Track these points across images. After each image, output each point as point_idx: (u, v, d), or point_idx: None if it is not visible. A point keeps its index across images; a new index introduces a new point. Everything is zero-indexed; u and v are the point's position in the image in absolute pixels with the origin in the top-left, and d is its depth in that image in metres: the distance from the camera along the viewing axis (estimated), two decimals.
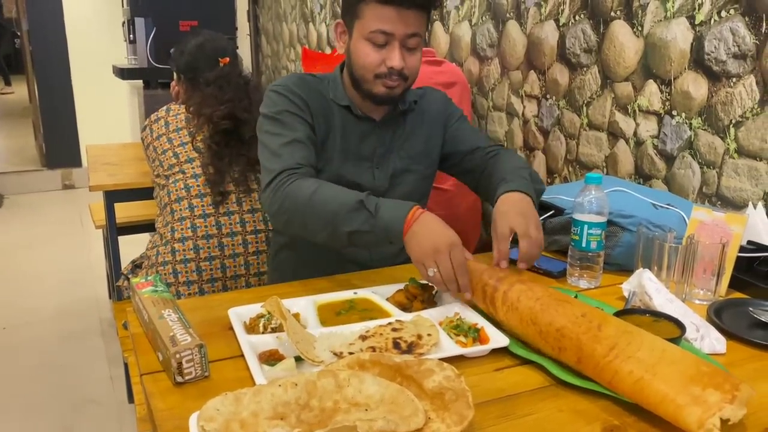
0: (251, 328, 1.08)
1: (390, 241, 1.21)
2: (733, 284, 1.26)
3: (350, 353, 0.95)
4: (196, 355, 0.94)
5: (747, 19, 1.43)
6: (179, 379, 0.93)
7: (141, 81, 4.25)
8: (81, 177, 5.62)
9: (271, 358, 0.98)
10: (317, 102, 1.46)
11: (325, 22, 4.00)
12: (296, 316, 1.11)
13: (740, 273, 1.26)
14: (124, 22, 4.33)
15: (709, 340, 1.04)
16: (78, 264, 3.94)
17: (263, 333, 1.05)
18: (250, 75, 2.11)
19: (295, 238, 1.53)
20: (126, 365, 2.27)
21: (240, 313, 1.11)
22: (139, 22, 4.10)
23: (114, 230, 2.40)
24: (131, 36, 4.16)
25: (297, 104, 1.42)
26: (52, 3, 5.50)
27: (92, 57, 5.54)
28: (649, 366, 0.83)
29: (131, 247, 2.73)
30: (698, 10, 1.54)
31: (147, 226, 2.87)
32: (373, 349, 0.97)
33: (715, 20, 1.50)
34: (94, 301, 3.43)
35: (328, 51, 3.98)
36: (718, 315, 1.14)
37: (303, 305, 1.14)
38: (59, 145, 5.78)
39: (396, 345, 0.98)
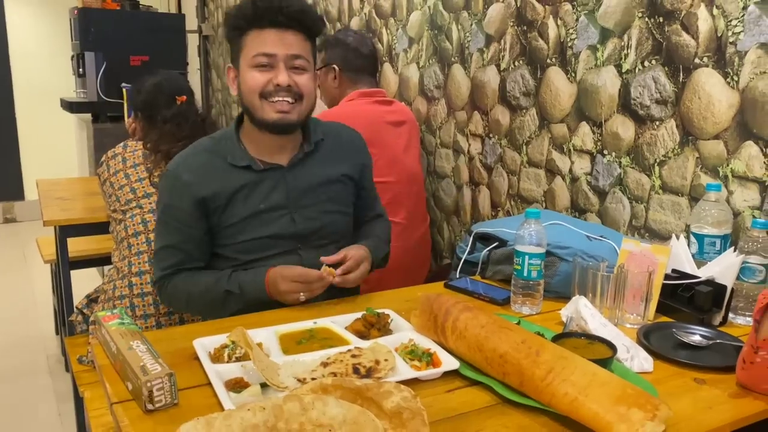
0: (216, 357, 1.13)
1: (261, 300, 1.45)
2: (660, 309, 1.38)
3: (313, 379, 1.02)
4: (166, 383, 0.99)
5: (666, 69, 1.59)
6: (150, 406, 0.98)
7: (89, 114, 4.23)
8: (24, 211, 5.51)
9: (237, 385, 1.04)
10: (211, 173, 1.49)
11: None
12: (259, 345, 1.17)
13: (666, 299, 1.38)
14: (73, 56, 4.32)
15: (638, 359, 1.15)
16: (22, 300, 3.85)
17: (228, 362, 1.11)
18: (203, 112, 2.18)
19: None
20: (78, 400, 2.25)
21: (204, 344, 1.16)
22: (89, 56, 4.10)
23: (66, 265, 2.39)
24: (80, 70, 4.16)
25: (178, 194, 1.49)
26: None
27: (38, 89, 5.48)
28: (582, 388, 0.93)
29: (79, 281, 2.72)
30: (624, 59, 1.69)
31: (95, 261, 2.86)
32: (335, 374, 1.04)
33: (639, 69, 1.66)
34: (40, 338, 3.36)
35: None
36: (647, 337, 1.25)
37: (265, 335, 1.20)
38: (1, 177, 5.65)
39: (356, 370, 1.06)
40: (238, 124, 1.56)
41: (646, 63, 1.64)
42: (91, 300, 2.08)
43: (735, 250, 1.36)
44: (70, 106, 4.22)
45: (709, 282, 1.35)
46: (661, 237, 1.64)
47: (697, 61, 1.51)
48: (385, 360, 1.09)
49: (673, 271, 1.42)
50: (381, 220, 1.78)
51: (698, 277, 1.37)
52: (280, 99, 1.44)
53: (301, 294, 1.41)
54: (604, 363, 1.06)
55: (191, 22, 5.30)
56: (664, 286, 1.37)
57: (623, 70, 1.70)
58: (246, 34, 1.45)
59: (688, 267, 1.41)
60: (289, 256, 1.53)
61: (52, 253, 2.69)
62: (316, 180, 1.56)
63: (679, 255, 1.43)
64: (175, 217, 1.51)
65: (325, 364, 1.07)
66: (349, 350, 1.12)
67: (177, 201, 1.50)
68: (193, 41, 5.31)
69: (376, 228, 1.74)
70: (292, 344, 1.20)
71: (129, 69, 4.13)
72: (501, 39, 2.11)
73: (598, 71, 1.77)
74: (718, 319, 1.34)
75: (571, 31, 1.84)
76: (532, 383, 1.00)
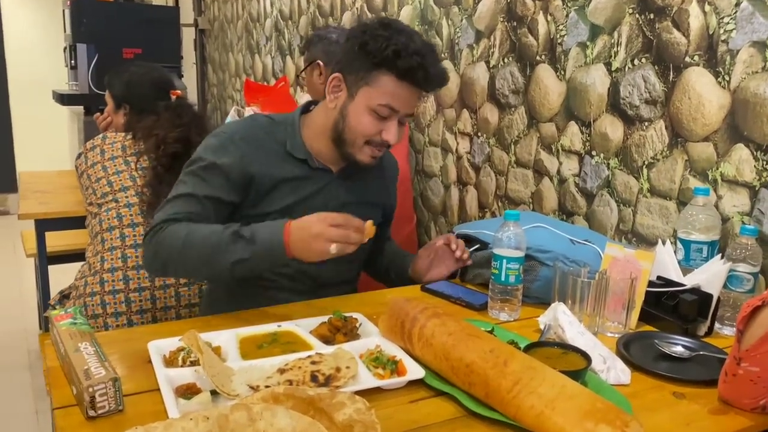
0: (170, 361, 1.08)
1: (273, 261, 1.27)
2: (643, 318, 1.33)
3: (267, 386, 0.96)
4: (110, 389, 0.94)
5: (656, 67, 1.53)
6: (92, 413, 0.93)
7: (81, 107, 4.19)
8: (16, 203, 5.46)
9: (188, 391, 0.99)
10: (265, 151, 1.41)
11: (270, 54, 4.04)
12: (217, 349, 1.11)
13: (649, 307, 1.33)
14: (65, 48, 4.28)
15: (615, 371, 1.10)
16: (9, 294, 3.81)
17: (182, 366, 1.06)
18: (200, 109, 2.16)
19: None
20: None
21: (160, 346, 1.10)
22: (81, 48, 4.06)
23: (44, 259, 2.35)
24: (72, 62, 4.11)
25: (228, 159, 1.37)
26: None
27: (32, 82, 5.45)
28: (549, 401, 0.88)
29: (65, 276, 2.66)
30: (614, 57, 1.63)
31: (82, 255, 2.81)
32: (290, 382, 0.98)
33: (629, 67, 1.60)
34: (24, 333, 3.32)
35: (272, 83, 4.02)
36: (627, 347, 1.20)
37: (225, 338, 1.15)
38: None
39: (314, 378, 1.00)
40: (302, 112, 1.50)
41: (636, 61, 1.58)
42: (64, 296, 2.03)
43: (723, 258, 1.30)
44: (62, 99, 4.18)
45: (695, 290, 1.29)
46: (648, 242, 1.58)
47: (687, 59, 1.45)
48: (347, 367, 1.03)
49: (658, 278, 1.36)
50: (393, 243, 1.77)
51: (683, 285, 1.31)
52: (378, 148, 1.42)
53: (334, 245, 1.21)
54: (577, 375, 1.00)
55: (187, 16, 5.25)
56: (647, 293, 1.32)
57: (613, 68, 1.64)
58: (382, 72, 1.35)
59: (674, 274, 1.35)
60: (305, 265, 1.41)
61: (34, 247, 2.63)
62: (354, 198, 1.52)
63: (665, 261, 1.38)
64: (212, 174, 1.37)
65: (282, 371, 1.01)
66: (310, 356, 1.06)
67: (222, 161, 1.37)
68: (189, 35, 5.26)
69: (393, 246, 1.75)
70: (253, 348, 1.14)
71: (121, 62, 4.06)
72: (491, 35, 2.05)
73: (587, 69, 1.71)
74: (703, 330, 1.28)
75: (561, 27, 1.78)
76: (498, 395, 0.94)
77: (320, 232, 1.22)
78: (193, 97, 5.34)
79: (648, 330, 1.31)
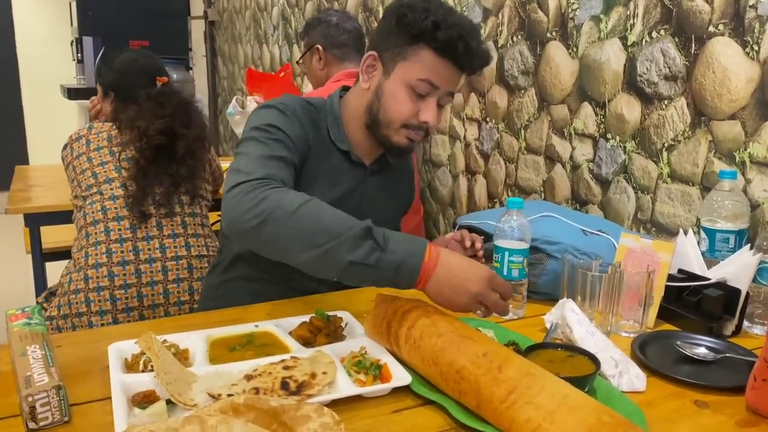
0: (131, 365, 0.97)
1: (395, 283, 1.02)
2: (662, 315, 1.20)
3: (229, 395, 0.85)
4: (53, 398, 0.84)
5: (677, 39, 1.39)
6: (32, 425, 0.83)
7: (88, 101, 4.13)
8: None
9: (145, 400, 0.88)
10: (314, 137, 1.31)
11: (278, 44, 3.94)
12: (184, 352, 1.01)
13: (669, 303, 1.20)
14: (72, 41, 4.22)
15: (628, 376, 0.97)
16: (15, 292, 3.76)
17: (143, 371, 0.95)
18: (196, 99, 2.04)
19: (247, 264, 1.38)
20: None
21: (121, 349, 1.00)
22: (87, 41, 4.01)
23: (38, 255, 2.27)
24: (79, 55, 4.06)
25: (295, 132, 1.25)
26: (3, 23, 5.37)
27: (43, 76, 5.41)
28: (548, 413, 0.76)
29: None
30: (630, 30, 1.49)
31: None
32: (257, 390, 0.87)
33: (646, 41, 1.46)
34: None
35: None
36: (642, 349, 1.07)
37: (194, 340, 1.04)
38: (7, 166, 5.60)
39: (284, 386, 0.89)
40: (338, 100, 1.38)
41: (654, 34, 1.44)
42: (51, 293, 1.94)
43: (752, 248, 1.17)
44: (69, 93, 4.13)
45: (721, 285, 1.17)
46: (669, 232, 1.45)
47: (711, 29, 1.31)
48: (324, 373, 0.92)
49: (679, 271, 1.23)
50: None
51: (708, 279, 1.18)
52: (416, 132, 1.29)
53: (482, 309, 1.04)
54: (582, 381, 0.88)
55: (197, 8, 5.17)
56: (667, 288, 1.19)
57: (629, 43, 1.50)
58: (421, 47, 1.24)
59: (697, 267, 1.22)
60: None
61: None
62: (385, 193, 1.43)
63: (687, 253, 1.24)
64: (286, 140, 1.23)
65: (249, 377, 0.90)
66: (283, 360, 0.95)
67: (290, 130, 1.24)
68: (198, 27, 5.18)
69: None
70: (224, 351, 1.03)
71: (113, 56, 4.02)
72: (499, 12, 1.92)
73: (601, 45, 1.58)
74: (730, 329, 1.15)
75: (572, 0, 1.64)
76: (491, 405, 0.82)
77: (479, 293, 1.01)
78: (203, 90, 5.27)
79: (667, 329, 1.18)
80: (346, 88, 1.42)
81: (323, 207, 1.06)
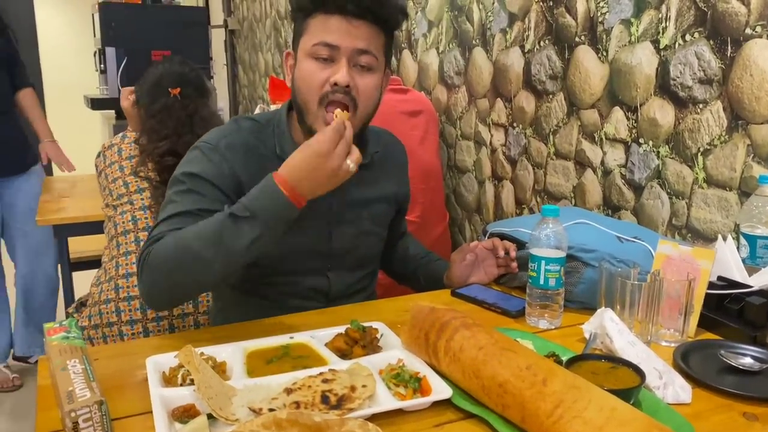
0: (169, 379, 0.97)
1: (287, 221, 1.11)
2: (703, 324, 1.17)
3: (270, 409, 0.85)
4: (95, 413, 0.83)
5: (712, 42, 1.36)
6: None
7: (113, 111, 4.17)
8: None
9: (185, 414, 0.88)
10: (255, 157, 1.27)
11: None
12: (221, 365, 1.00)
13: (710, 312, 1.17)
14: (95, 52, 4.27)
15: (673, 388, 0.95)
16: None
17: (182, 385, 0.95)
18: (218, 108, 2.03)
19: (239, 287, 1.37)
20: None
21: (159, 362, 1.00)
22: (110, 51, 4.04)
23: (67, 265, 2.29)
24: (102, 66, 4.09)
25: (214, 171, 1.24)
26: (27, 35, 5.44)
27: (67, 87, 5.47)
28: (597, 428, 0.74)
29: None
30: (662, 33, 1.47)
31: None
32: (298, 404, 0.86)
33: (679, 44, 1.44)
34: None
35: None
36: (685, 359, 1.05)
37: (230, 352, 1.03)
38: None
39: (324, 399, 0.88)
40: (288, 110, 1.34)
41: (688, 37, 1.41)
42: (81, 304, 1.95)
43: None
44: (93, 103, 4.17)
45: (763, 292, 1.13)
46: (705, 238, 1.42)
47: (748, 31, 1.29)
48: (363, 386, 0.91)
49: (719, 278, 1.21)
50: (411, 238, 1.64)
51: (750, 286, 1.15)
52: (335, 105, 1.21)
53: (349, 161, 1.11)
54: (628, 394, 0.86)
55: (217, 17, 5.20)
56: (707, 296, 1.16)
57: (661, 46, 1.48)
58: (311, 17, 1.22)
59: (738, 274, 1.20)
60: (316, 277, 1.34)
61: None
62: (364, 196, 1.37)
63: (727, 259, 1.22)
64: (202, 188, 1.23)
65: (289, 391, 0.90)
66: (322, 373, 0.94)
67: (209, 172, 1.24)
68: (219, 36, 5.21)
69: (419, 247, 1.62)
70: (261, 364, 1.02)
71: (150, 64, 4.04)
72: (525, 17, 1.91)
73: (632, 48, 1.55)
74: None
75: (602, 4, 1.63)
76: (536, 419, 0.81)
77: (329, 156, 1.09)
78: (225, 98, 5.30)
79: (709, 338, 1.15)
80: None
81: (188, 232, 1.12)
